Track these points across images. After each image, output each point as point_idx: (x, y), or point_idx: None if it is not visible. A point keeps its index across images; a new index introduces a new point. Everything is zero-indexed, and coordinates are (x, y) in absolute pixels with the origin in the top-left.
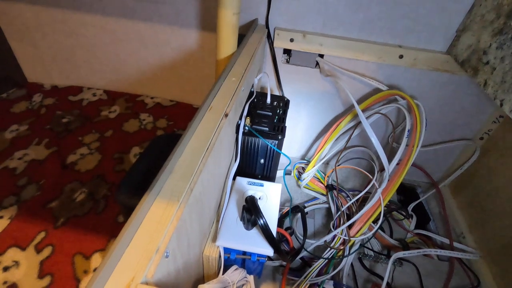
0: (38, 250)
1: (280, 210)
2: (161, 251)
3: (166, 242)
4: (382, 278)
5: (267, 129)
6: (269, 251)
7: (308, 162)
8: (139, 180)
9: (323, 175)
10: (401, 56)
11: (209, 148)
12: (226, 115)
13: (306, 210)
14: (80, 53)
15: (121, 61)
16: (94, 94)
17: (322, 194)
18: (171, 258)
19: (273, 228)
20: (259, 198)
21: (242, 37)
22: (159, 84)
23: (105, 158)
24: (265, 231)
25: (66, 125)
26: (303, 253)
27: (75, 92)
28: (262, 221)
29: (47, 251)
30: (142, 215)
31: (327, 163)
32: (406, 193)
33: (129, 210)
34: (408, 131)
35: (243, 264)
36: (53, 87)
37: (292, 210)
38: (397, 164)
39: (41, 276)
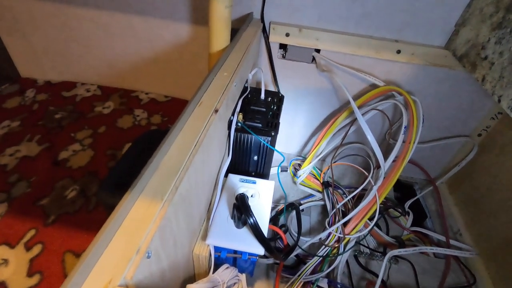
0: (28, 248)
1: (275, 208)
2: (142, 251)
3: (147, 242)
4: (377, 275)
5: (260, 125)
6: (259, 250)
7: (304, 158)
8: (122, 178)
9: (319, 172)
10: (398, 51)
11: (197, 144)
12: (216, 111)
13: (302, 207)
14: (73, 47)
15: (115, 55)
16: (88, 89)
17: (318, 191)
18: (154, 258)
19: (264, 227)
20: (251, 196)
21: (236, 31)
22: (153, 79)
23: (98, 154)
24: (255, 230)
25: (58, 121)
26: (298, 251)
27: (69, 88)
28: (251, 220)
29: (36, 249)
30: (123, 214)
31: (323, 160)
32: (403, 190)
33: (112, 209)
34: (405, 127)
35: (234, 262)
36: (46, 82)
37: (287, 208)
38: (394, 161)
39: (30, 274)
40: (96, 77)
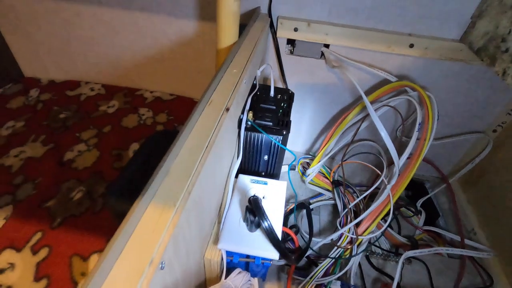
0: (34, 251)
1: (284, 207)
2: (156, 262)
3: (161, 252)
4: (391, 277)
5: (271, 124)
6: (274, 254)
7: (313, 157)
8: (131, 182)
9: (329, 170)
10: (411, 45)
11: (208, 146)
12: (227, 110)
13: (311, 206)
14: (76, 46)
15: (119, 53)
16: (92, 88)
17: (328, 190)
18: (168, 269)
19: (278, 230)
20: (263, 197)
21: (243, 26)
22: (158, 77)
23: (104, 155)
24: (269, 234)
25: (63, 121)
26: (309, 252)
27: (73, 87)
28: (266, 224)
29: (43, 253)
30: (134, 223)
31: (333, 158)
32: (414, 188)
33: (121, 216)
34: (419, 124)
35: (247, 266)
36: (50, 81)
37: (297, 207)
38: (408, 158)
39: (37, 278)
40: (100, 76)
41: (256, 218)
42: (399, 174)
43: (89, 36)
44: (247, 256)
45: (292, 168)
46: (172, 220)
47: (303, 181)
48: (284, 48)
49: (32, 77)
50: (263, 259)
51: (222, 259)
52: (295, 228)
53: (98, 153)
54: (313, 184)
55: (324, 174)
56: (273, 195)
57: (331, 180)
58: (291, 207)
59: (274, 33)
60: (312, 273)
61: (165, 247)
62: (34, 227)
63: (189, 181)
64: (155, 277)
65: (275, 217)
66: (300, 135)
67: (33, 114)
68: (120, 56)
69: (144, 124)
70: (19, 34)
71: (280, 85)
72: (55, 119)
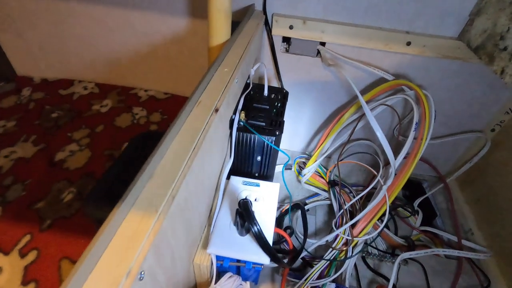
0: (23, 254)
1: (279, 208)
2: (133, 273)
3: (139, 262)
4: (387, 278)
5: (263, 124)
6: (264, 259)
7: (309, 156)
8: (112, 188)
9: (325, 170)
10: (408, 43)
11: (195, 148)
12: (217, 110)
13: (307, 206)
14: (69, 44)
15: (113, 52)
16: (86, 87)
17: (324, 190)
18: (149, 278)
19: (270, 234)
20: (255, 200)
21: (237, 24)
22: (152, 76)
23: (95, 155)
24: (259, 239)
25: (55, 121)
26: (304, 253)
27: (66, 86)
28: (255, 229)
29: (31, 256)
30: (112, 231)
31: (329, 158)
32: (411, 188)
33: (100, 225)
34: (416, 123)
35: (238, 270)
36: (43, 80)
37: (292, 208)
38: (404, 158)
39: (25, 282)
40: (94, 74)
41: (246, 222)
42: (395, 175)
43: (82, 34)
44: (238, 261)
45: (288, 167)
46: (153, 226)
47: (299, 181)
48: (279, 46)
49: (25, 75)
50: (254, 263)
51: (212, 264)
52: (290, 229)
53: (90, 153)
54: (309, 184)
55: (320, 174)
56: (266, 197)
57: (327, 180)
58: (286, 208)
59: (269, 31)
60: (307, 276)
61: (145, 256)
62: (22, 229)
63: (173, 185)
64: None
65: (267, 220)
66: (296, 134)
67: (24, 113)
68: (114, 55)
69: (137, 124)
70: (12, 33)
71: (276, 84)
72: (47, 119)
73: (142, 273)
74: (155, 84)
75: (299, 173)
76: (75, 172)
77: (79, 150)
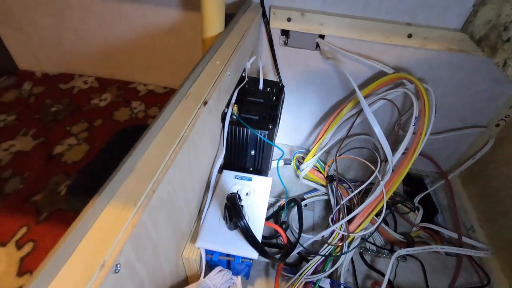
0: (19, 246)
1: (276, 203)
2: (108, 265)
3: (115, 255)
4: (383, 274)
5: (257, 117)
6: (253, 254)
7: (308, 151)
8: (94, 181)
9: (324, 165)
10: (409, 35)
11: (181, 141)
12: (205, 103)
13: (305, 202)
14: (68, 38)
15: (111, 45)
16: (86, 81)
17: (323, 185)
18: (126, 271)
19: (259, 228)
20: (246, 194)
21: (233, 16)
22: (151, 70)
23: (93, 149)
24: (246, 233)
25: (54, 115)
26: (299, 249)
27: (66, 80)
28: (242, 223)
29: (27, 247)
30: (88, 223)
31: (328, 152)
32: (412, 183)
33: None
34: (416, 118)
35: (228, 264)
36: (44, 74)
37: (288, 203)
38: (403, 153)
39: (20, 273)
40: (94, 69)
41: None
42: (393, 170)
43: (80, 28)
44: (227, 255)
45: (287, 162)
46: (131, 219)
47: (298, 176)
48: (277, 39)
49: (27, 70)
50: (243, 258)
51: (201, 257)
52: (285, 224)
53: (87, 147)
54: (307, 179)
55: (318, 169)
56: (257, 192)
57: (326, 175)
58: (283, 203)
59: (266, 23)
60: (301, 271)
61: (121, 248)
62: (19, 221)
63: (154, 179)
64: (107, 281)
65: (257, 215)
66: (295, 128)
67: (25, 107)
68: (112, 49)
69: (135, 118)
70: (13, 27)
71: (274, 77)
72: (46, 113)
73: (118, 265)
74: (154, 78)
75: (298, 168)
76: (73, 166)
77: (77, 144)
